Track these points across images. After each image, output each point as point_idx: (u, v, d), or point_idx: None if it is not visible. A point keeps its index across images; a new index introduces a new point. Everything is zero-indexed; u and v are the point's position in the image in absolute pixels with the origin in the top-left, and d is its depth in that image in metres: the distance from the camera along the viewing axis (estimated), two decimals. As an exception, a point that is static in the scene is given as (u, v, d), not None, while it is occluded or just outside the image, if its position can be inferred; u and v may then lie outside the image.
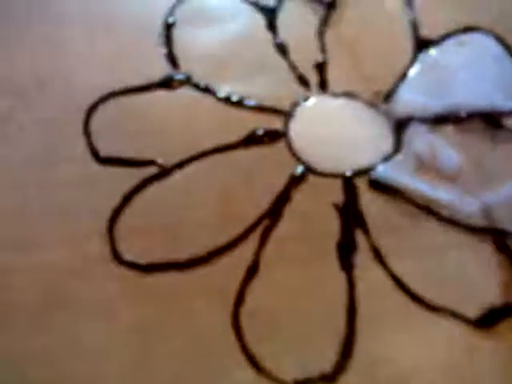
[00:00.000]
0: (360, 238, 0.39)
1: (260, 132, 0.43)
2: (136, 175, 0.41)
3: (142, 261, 0.38)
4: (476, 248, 0.39)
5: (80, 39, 0.46)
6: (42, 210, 0.40)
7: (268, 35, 0.47)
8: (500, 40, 0.47)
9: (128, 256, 0.38)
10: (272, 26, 0.47)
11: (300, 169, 0.42)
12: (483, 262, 0.39)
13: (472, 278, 0.39)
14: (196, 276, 0.37)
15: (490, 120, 0.44)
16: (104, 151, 0.42)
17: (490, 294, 0.38)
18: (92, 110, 0.43)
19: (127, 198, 0.40)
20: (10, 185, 0.40)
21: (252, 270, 0.38)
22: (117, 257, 0.38)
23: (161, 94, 0.44)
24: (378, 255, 0.38)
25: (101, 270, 0.38)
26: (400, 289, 0.38)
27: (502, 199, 0.41)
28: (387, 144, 0.43)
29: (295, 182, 0.41)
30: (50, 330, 0.36)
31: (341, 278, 0.38)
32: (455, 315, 0.37)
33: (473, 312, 0.37)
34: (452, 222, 0.40)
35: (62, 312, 0.36)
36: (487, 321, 0.37)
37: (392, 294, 0.38)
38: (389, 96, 0.45)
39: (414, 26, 0.48)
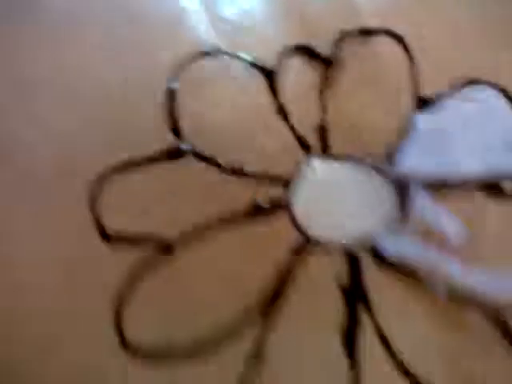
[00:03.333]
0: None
1: (262, 202, 0.43)
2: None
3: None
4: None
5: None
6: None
7: (268, 97, 0.47)
8: (504, 92, 0.47)
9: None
10: (272, 88, 0.47)
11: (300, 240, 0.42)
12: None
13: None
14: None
15: (488, 186, 0.44)
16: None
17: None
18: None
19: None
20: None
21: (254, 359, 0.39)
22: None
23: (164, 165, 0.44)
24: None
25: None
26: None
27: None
28: (390, 209, 0.44)
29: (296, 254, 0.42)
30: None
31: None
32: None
33: None
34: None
35: None
36: None
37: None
38: (390, 158, 0.45)
39: (415, 84, 0.47)
